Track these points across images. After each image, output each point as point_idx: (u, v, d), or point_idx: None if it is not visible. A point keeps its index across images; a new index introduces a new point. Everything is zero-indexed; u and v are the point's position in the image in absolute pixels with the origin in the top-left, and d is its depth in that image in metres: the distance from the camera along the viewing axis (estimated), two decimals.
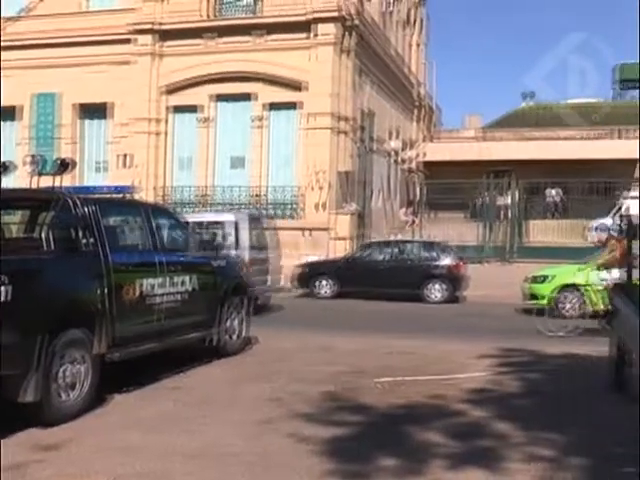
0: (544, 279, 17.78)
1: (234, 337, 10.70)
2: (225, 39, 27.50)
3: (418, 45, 42.49)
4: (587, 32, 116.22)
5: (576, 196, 31.78)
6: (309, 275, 21.31)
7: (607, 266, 14.96)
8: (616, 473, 5.91)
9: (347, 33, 27.02)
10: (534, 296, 17.77)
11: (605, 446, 6.53)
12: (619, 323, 8.42)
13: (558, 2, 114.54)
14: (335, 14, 26.42)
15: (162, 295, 8.83)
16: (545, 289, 17.51)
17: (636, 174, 37.56)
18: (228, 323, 10.51)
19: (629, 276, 9.34)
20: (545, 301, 17.41)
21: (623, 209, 28.50)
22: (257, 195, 27.23)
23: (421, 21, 42.88)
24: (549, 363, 10.65)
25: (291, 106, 27.12)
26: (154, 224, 9.15)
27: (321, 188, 26.22)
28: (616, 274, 14.92)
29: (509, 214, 29.98)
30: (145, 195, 22.98)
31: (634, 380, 8.04)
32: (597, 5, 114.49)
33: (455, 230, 27.85)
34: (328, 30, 26.49)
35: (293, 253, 24.06)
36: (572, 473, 5.83)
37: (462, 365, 10.21)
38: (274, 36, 26.92)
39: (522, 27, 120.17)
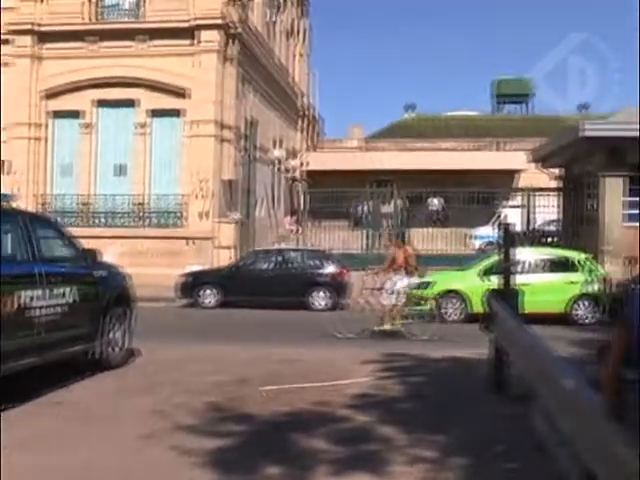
0: (427, 285, 18.22)
1: (117, 349, 10.46)
2: (107, 43, 26.93)
3: (302, 55, 42.84)
4: (467, 46, 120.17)
5: (457, 205, 32.64)
6: (193, 284, 21.09)
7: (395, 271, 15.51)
8: (496, 470, 6.13)
9: (231, 41, 26.96)
10: (418, 302, 18.17)
11: (484, 445, 6.75)
12: (496, 326, 8.71)
13: (439, 15, 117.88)
14: (219, 21, 26.29)
15: (42, 307, 8.55)
16: (428, 295, 17.95)
17: (514, 184, 38.98)
18: (111, 335, 10.26)
19: (506, 281, 9.67)
20: (428, 307, 17.89)
21: (502, 218, 29.53)
22: (140, 203, 26.77)
23: (304, 32, 43.24)
24: (431, 367, 10.91)
25: (175, 113, 26.81)
26: (33, 233, 8.87)
27: (204, 197, 25.99)
28: (405, 281, 15.42)
29: (392, 223, 30.51)
30: (24, 203, 22.19)
31: (511, 381, 8.35)
32: (480, 20, 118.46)
33: (339, 238, 28.19)
34: (211, 37, 26.33)
35: (177, 262, 23.83)
36: (454, 473, 6.00)
37: (346, 371, 10.32)
38: (157, 42, 26.56)
39: (405, 39, 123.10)
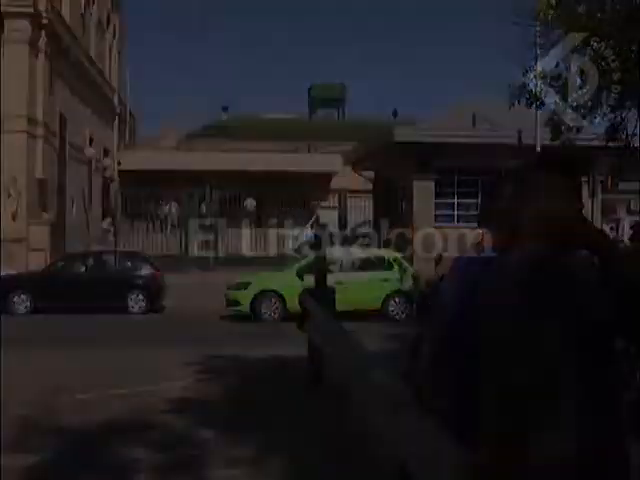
0: (245, 286, 18.33)
1: None
2: None
3: (115, 51, 41.77)
4: (284, 51, 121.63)
5: (274, 206, 33.00)
6: (4, 290, 20.00)
7: None
8: (309, 467, 6.26)
9: (42, 32, 25.76)
10: (236, 302, 18.26)
11: (303, 441, 6.88)
12: (310, 324, 8.90)
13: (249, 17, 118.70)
14: (30, 10, 24.92)
15: None
16: (246, 295, 18.07)
17: (330, 186, 39.89)
18: None
19: (320, 280, 9.90)
20: (247, 307, 18.01)
21: (318, 219, 30.20)
22: None
23: (117, 27, 42.08)
24: (250, 367, 10.99)
25: None
26: None
27: (11, 196, 24.66)
28: None
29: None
30: None
31: (327, 377, 8.57)
32: (300, 21, 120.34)
33: (156, 239, 27.75)
34: (21, 26, 24.88)
35: None
36: (274, 471, 6.09)
37: (166, 375, 10.21)
38: None
39: (221, 41, 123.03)
